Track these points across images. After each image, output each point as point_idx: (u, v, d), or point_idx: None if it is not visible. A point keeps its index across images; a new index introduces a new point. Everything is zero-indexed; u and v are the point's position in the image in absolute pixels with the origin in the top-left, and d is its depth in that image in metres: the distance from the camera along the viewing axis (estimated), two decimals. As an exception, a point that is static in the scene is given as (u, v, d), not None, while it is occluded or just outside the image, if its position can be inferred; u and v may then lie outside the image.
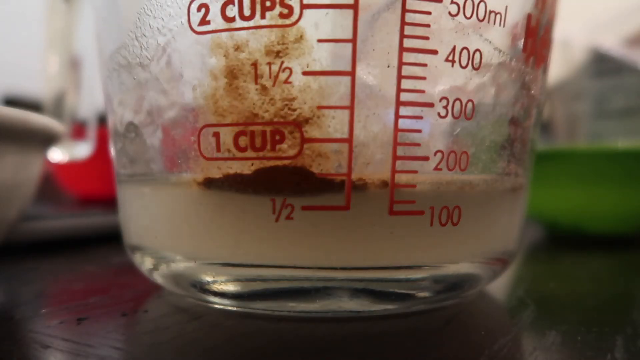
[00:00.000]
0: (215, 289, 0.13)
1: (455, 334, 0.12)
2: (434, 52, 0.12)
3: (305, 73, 0.11)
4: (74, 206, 0.48)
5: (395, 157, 0.12)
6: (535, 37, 0.14)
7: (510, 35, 0.13)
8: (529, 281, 0.19)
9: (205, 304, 0.14)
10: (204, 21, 0.12)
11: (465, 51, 0.12)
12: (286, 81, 0.12)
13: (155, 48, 0.13)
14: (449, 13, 0.12)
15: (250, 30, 0.11)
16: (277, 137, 0.12)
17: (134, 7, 0.13)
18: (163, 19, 0.12)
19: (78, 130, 0.27)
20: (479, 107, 0.13)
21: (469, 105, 0.13)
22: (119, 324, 0.13)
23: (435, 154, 0.12)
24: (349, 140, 0.12)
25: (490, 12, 0.12)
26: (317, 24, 0.11)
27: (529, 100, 0.14)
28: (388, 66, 0.12)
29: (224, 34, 0.12)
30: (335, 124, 0.12)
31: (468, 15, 0.12)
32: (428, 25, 0.12)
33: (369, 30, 0.11)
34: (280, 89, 0.12)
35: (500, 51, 0.13)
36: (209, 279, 0.13)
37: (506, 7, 0.13)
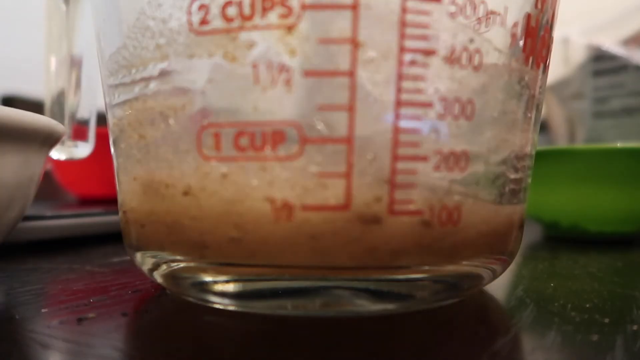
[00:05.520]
0: (215, 289, 0.13)
1: (455, 334, 0.12)
2: (434, 52, 0.12)
3: (305, 73, 0.11)
4: (74, 206, 0.48)
5: (395, 158, 0.12)
6: (535, 37, 0.14)
7: (510, 35, 0.13)
8: (528, 281, 0.19)
9: (205, 304, 0.14)
10: (204, 21, 0.12)
11: (465, 51, 0.12)
12: (286, 82, 0.12)
13: (155, 48, 0.13)
14: (449, 13, 0.12)
15: (250, 31, 0.11)
16: (277, 137, 0.12)
17: (134, 8, 0.13)
18: (163, 19, 0.12)
19: (78, 130, 0.27)
20: (479, 107, 0.13)
21: (469, 105, 0.13)
22: (119, 324, 0.13)
23: (435, 154, 0.12)
24: (349, 140, 0.12)
25: (490, 12, 0.12)
26: (317, 25, 0.11)
27: (528, 101, 0.14)
28: (388, 67, 0.12)
29: (224, 34, 0.12)
30: (335, 124, 0.12)
31: (468, 15, 0.12)
32: (428, 26, 0.12)
33: (369, 31, 0.11)
34: (280, 90, 0.12)
35: (500, 51, 0.13)
36: (209, 279, 0.13)
37: (506, 7, 0.13)
